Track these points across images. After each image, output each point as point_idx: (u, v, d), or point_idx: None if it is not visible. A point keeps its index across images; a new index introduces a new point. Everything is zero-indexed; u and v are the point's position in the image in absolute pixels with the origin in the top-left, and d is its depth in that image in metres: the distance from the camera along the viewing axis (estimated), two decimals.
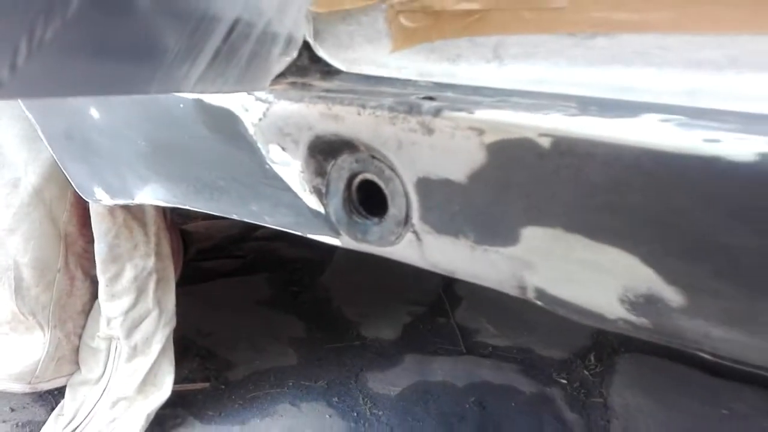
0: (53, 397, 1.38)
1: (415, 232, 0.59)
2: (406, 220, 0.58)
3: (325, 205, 0.65)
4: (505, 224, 0.51)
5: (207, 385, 1.46)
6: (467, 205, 0.53)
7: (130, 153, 0.85)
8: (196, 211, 0.84)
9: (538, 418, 1.37)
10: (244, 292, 1.93)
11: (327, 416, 1.37)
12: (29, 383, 1.25)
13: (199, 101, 0.69)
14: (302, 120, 0.60)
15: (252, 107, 0.64)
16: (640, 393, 1.45)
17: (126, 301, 1.18)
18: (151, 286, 1.21)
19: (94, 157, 0.93)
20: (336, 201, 0.63)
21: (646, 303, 0.47)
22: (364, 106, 0.56)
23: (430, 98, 0.54)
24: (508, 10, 0.55)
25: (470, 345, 1.67)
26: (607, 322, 0.50)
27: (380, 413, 1.39)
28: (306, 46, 0.65)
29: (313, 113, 0.59)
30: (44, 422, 1.28)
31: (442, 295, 1.91)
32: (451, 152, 0.51)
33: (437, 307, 1.86)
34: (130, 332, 1.20)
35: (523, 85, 0.55)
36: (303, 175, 0.64)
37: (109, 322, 1.20)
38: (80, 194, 1.04)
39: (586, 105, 0.48)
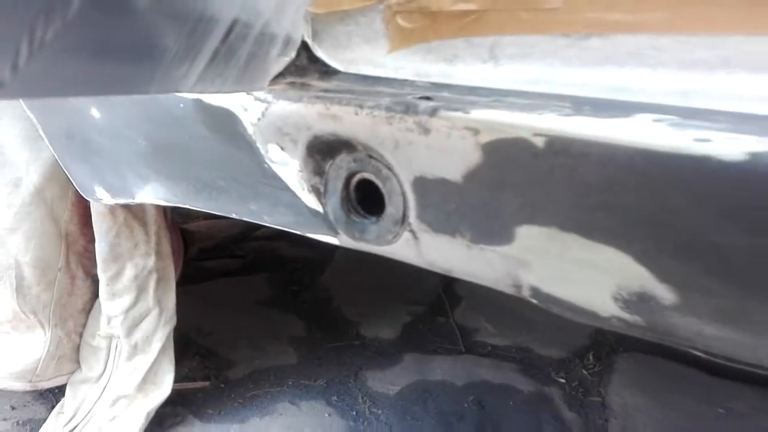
0: (54, 395, 1.38)
1: (412, 231, 0.59)
2: (403, 219, 0.59)
3: (323, 205, 0.66)
4: (501, 223, 0.52)
5: (207, 383, 1.47)
6: (463, 204, 0.53)
7: (130, 152, 0.86)
8: (197, 211, 0.85)
9: (537, 417, 1.38)
10: (244, 292, 1.94)
11: (326, 415, 1.38)
12: (30, 381, 1.26)
13: (199, 101, 0.70)
14: (301, 120, 0.61)
15: (251, 107, 0.65)
16: (639, 392, 1.46)
17: (126, 299, 1.19)
18: (152, 284, 1.21)
19: (94, 157, 0.94)
20: (334, 200, 0.64)
21: (639, 301, 0.47)
22: (361, 106, 0.56)
23: (427, 98, 0.55)
24: (503, 10, 0.55)
25: (469, 344, 1.67)
26: (601, 320, 0.50)
27: (379, 412, 1.39)
28: (305, 46, 0.65)
29: (312, 113, 0.60)
30: (45, 420, 1.28)
31: (441, 294, 1.91)
32: (447, 152, 0.52)
33: (437, 307, 1.86)
34: (130, 331, 1.21)
35: (519, 85, 0.55)
36: (301, 175, 0.65)
37: (109, 320, 1.20)
38: (81, 193, 1.05)
39: (580, 105, 0.49)
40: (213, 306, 1.80)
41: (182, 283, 1.36)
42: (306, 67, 0.67)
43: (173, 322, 1.26)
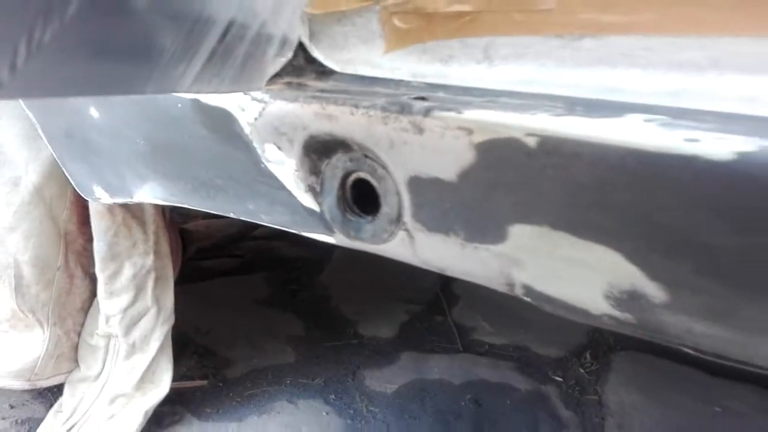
0: (52, 394, 1.39)
1: (407, 230, 0.60)
2: (398, 218, 0.60)
3: (319, 204, 0.66)
4: (494, 222, 0.52)
5: (205, 382, 1.47)
6: (457, 203, 0.54)
7: (129, 152, 0.86)
8: (196, 210, 0.85)
9: (534, 415, 1.38)
10: (242, 291, 1.94)
11: (324, 413, 1.38)
12: (29, 380, 1.27)
13: (197, 101, 0.70)
14: (297, 120, 0.61)
15: (248, 107, 0.65)
16: (635, 390, 1.46)
17: (125, 298, 1.19)
18: (150, 284, 1.22)
19: (93, 156, 0.94)
20: (330, 199, 0.65)
21: (630, 299, 0.48)
22: (357, 106, 0.57)
23: (422, 98, 0.55)
24: (498, 11, 0.56)
25: (467, 343, 1.68)
26: (593, 318, 0.51)
27: (377, 410, 1.40)
28: (302, 46, 0.66)
29: (308, 113, 0.60)
30: (43, 419, 1.29)
31: (439, 293, 1.92)
32: (441, 151, 0.52)
33: (435, 306, 1.87)
34: (128, 330, 1.21)
35: (512, 85, 0.56)
36: (298, 174, 0.65)
37: (107, 319, 1.21)
38: (80, 193, 1.05)
39: (573, 105, 0.49)
40: (211, 305, 1.81)
41: (181, 283, 1.37)
42: (303, 67, 0.68)
43: (171, 321, 1.27)
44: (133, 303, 1.20)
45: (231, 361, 1.57)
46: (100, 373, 1.26)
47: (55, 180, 1.13)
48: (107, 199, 1.00)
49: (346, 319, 1.79)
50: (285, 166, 0.66)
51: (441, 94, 0.57)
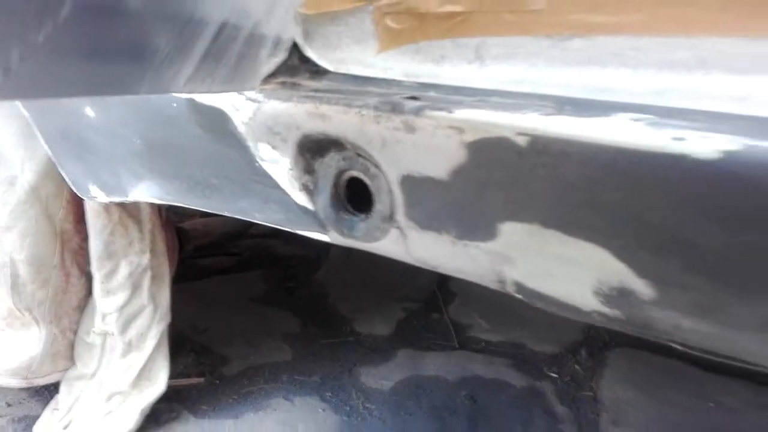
0: (49, 392, 1.39)
1: (399, 228, 0.60)
2: (391, 216, 0.60)
3: (313, 202, 0.67)
4: (485, 220, 0.53)
5: (202, 380, 1.48)
6: (448, 201, 0.55)
7: (124, 151, 0.87)
8: (192, 209, 0.86)
9: (529, 411, 1.39)
10: (239, 289, 1.95)
11: (320, 410, 1.39)
12: (25, 378, 1.27)
13: (192, 101, 0.71)
14: (291, 119, 0.62)
15: (242, 107, 0.66)
16: (630, 387, 1.47)
17: (121, 297, 1.20)
18: (146, 282, 1.22)
19: (89, 156, 0.95)
20: (324, 198, 0.65)
21: (619, 296, 0.48)
22: (349, 106, 0.57)
23: (414, 98, 0.56)
24: (489, 12, 0.57)
25: (463, 340, 1.68)
26: (583, 315, 0.52)
27: (373, 407, 1.40)
28: (296, 46, 0.66)
29: (301, 112, 0.61)
30: (40, 417, 1.29)
31: (435, 291, 1.93)
32: (433, 150, 0.53)
33: (431, 303, 1.88)
34: (124, 328, 1.22)
35: (503, 85, 0.56)
36: (292, 173, 0.66)
37: (104, 317, 1.21)
38: (76, 192, 1.06)
39: (563, 105, 0.50)
40: (208, 303, 1.81)
41: (177, 281, 1.37)
42: (297, 67, 0.68)
43: (168, 318, 1.27)
44: (129, 301, 1.21)
45: (227, 358, 1.57)
46: (97, 370, 1.26)
47: (51, 179, 1.13)
48: (103, 197, 1.00)
49: (342, 317, 1.79)
50: (279, 165, 0.66)
51: (433, 94, 0.58)
